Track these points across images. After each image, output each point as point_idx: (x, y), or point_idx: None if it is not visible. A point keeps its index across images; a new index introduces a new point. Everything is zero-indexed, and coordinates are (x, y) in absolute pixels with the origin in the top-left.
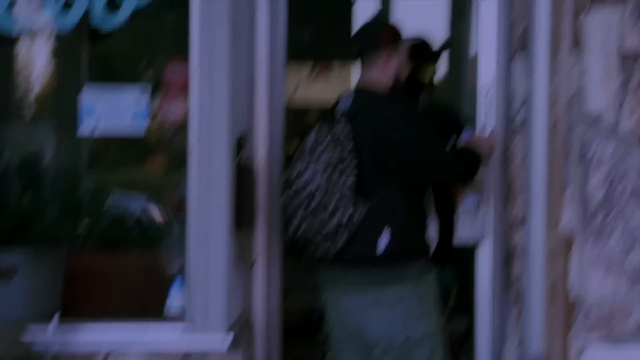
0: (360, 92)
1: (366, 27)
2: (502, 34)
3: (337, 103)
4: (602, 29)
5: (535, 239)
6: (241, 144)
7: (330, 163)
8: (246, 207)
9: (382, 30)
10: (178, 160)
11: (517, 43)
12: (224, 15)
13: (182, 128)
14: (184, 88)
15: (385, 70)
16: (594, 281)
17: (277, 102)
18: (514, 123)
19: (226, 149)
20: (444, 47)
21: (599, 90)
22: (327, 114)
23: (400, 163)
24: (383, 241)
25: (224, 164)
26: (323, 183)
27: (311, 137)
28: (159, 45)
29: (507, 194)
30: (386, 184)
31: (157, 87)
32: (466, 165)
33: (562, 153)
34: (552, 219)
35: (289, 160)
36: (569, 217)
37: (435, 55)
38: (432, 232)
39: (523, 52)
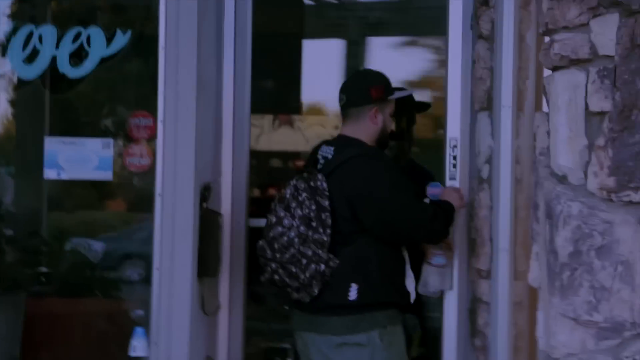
0: (343, 144)
1: (356, 80)
2: (467, 93)
3: (316, 150)
4: (568, 90)
5: (500, 291)
6: (206, 193)
7: (305, 219)
8: (211, 255)
9: (373, 85)
10: (142, 205)
11: (482, 101)
12: (190, 70)
13: (147, 174)
14: (150, 139)
15: (373, 124)
16: (561, 335)
17: (242, 152)
18: (479, 177)
19: (191, 199)
20: (424, 105)
21: (566, 150)
22: (306, 167)
23: (377, 223)
24: (352, 293)
25: (188, 213)
26: (296, 239)
27: (288, 190)
28: (124, 95)
29: (473, 246)
30: (361, 238)
31: (122, 136)
32: (441, 224)
33: (528, 210)
34: (517, 272)
35: (258, 206)
36: (536, 272)
37: (421, 108)
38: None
39: (487, 110)
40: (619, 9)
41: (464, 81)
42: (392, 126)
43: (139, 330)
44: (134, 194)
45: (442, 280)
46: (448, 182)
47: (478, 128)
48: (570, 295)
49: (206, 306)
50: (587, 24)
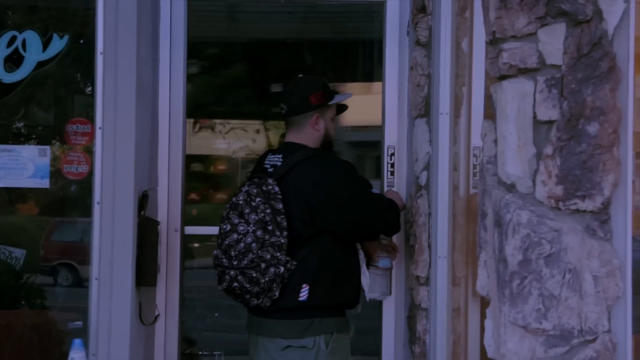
0: (290, 150)
1: (295, 88)
2: (403, 100)
3: (262, 160)
4: (517, 98)
5: (439, 298)
6: (144, 201)
7: (260, 223)
8: (149, 263)
9: (312, 92)
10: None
11: (419, 108)
12: (130, 75)
13: (84, 182)
14: (88, 146)
15: (315, 130)
16: (510, 343)
17: (177, 158)
18: (417, 184)
19: (131, 207)
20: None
21: (515, 158)
22: (256, 173)
23: (339, 222)
24: (303, 293)
25: (128, 221)
26: (254, 244)
27: (241, 197)
28: (61, 100)
29: (411, 253)
30: (317, 240)
31: (59, 143)
32: (396, 214)
33: (466, 217)
34: (455, 278)
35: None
36: (484, 280)
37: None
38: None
39: (425, 116)
40: (565, 19)
41: (400, 88)
42: (334, 130)
43: (77, 341)
44: (71, 201)
45: (388, 283)
46: (386, 190)
47: (416, 135)
48: (519, 304)
49: (144, 315)
50: (535, 33)
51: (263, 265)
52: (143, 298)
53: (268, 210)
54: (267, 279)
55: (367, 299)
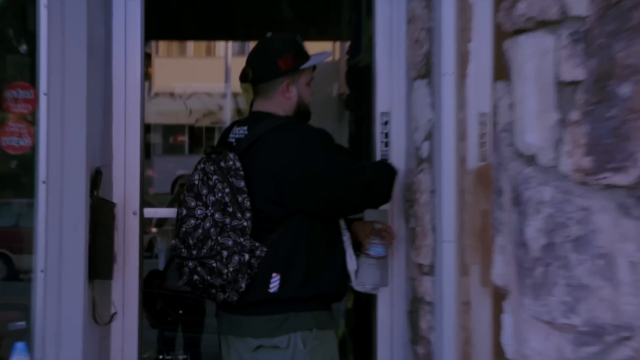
0: (257, 120)
1: (261, 50)
2: (400, 59)
3: (226, 133)
4: (536, 56)
5: (446, 290)
6: (97, 179)
7: (218, 204)
8: (103, 253)
9: (280, 55)
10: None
11: (418, 68)
12: (79, 32)
13: (25, 157)
14: (31, 115)
15: (286, 99)
16: (534, 341)
17: (134, 130)
18: (417, 157)
19: (82, 187)
20: None
21: (534, 125)
22: (214, 147)
23: (311, 198)
24: (274, 284)
25: (79, 203)
26: (213, 229)
27: (196, 176)
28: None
29: (412, 237)
30: (288, 221)
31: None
32: (387, 183)
33: (476, 194)
34: (464, 267)
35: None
36: (501, 268)
37: None
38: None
39: (425, 78)
40: None
41: (396, 45)
42: (310, 96)
43: (19, 345)
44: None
45: (382, 274)
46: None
47: (415, 99)
48: (544, 295)
49: (98, 314)
50: None
51: (225, 253)
52: (97, 293)
53: (227, 190)
54: (230, 269)
55: (356, 290)
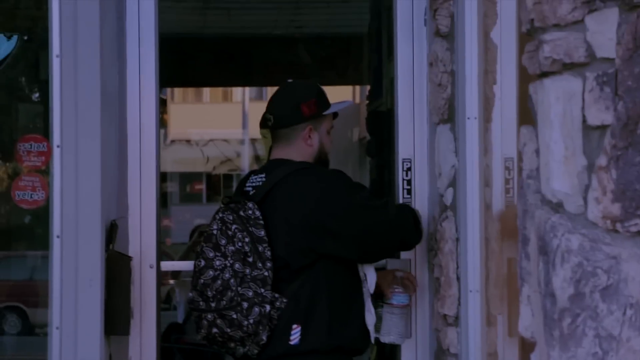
0: (273, 167)
1: (283, 96)
2: (422, 103)
3: (243, 182)
4: (562, 99)
5: (472, 341)
6: (112, 232)
7: (238, 254)
8: (120, 308)
9: (303, 100)
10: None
11: (441, 112)
12: (93, 82)
13: (40, 210)
14: (44, 168)
15: (308, 145)
16: None
17: (150, 180)
18: (441, 204)
19: (97, 241)
20: None
21: (561, 171)
22: (232, 197)
23: (339, 236)
24: (294, 336)
25: (95, 258)
26: (232, 280)
27: (215, 226)
28: (11, 114)
29: (436, 287)
30: (308, 270)
31: (9, 165)
32: (413, 219)
33: (502, 242)
34: (490, 317)
35: None
36: (528, 320)
37: None
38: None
39: (449, 122)
40: (618, 2)
41: (418, 88)
42: (330, 144)
43: None
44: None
45: (406, 324)
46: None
47: (438, 144)
48: (572, 347)
49: None
50: (582, 20)
51: (245, 304)
52: (114, 349)
53: (247, 239)
54: (251, 320)
55: (380, 341)
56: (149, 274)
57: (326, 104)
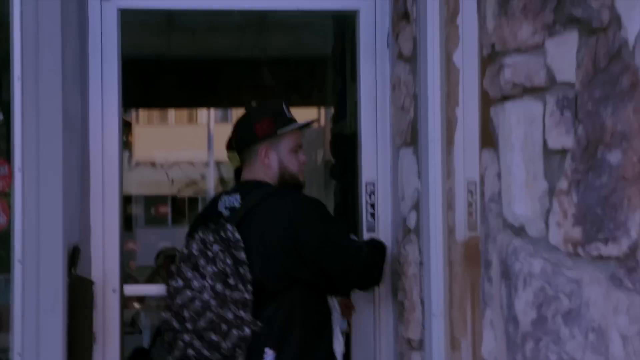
0: (249, 189)
1: (241, 118)
2: (384, 126)
3: (215, 202)
4: (523, 123)
5: None
6: (75, 256)
7: (220, 275)
8: (82, 333)
9: (256, 120)
10: None
11: (404, 135)
12: (55, 104)
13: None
14: (5, 192)
15: (265, 166)
16: None
17: (113, 203)
18: (404, 227)
19: (60, 265)
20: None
21: (523, 195)
22: (205, 217)
23: (312, 264)
24: None
25: (57, 283)
26: (212, 300)
27: (194, 246)
28: None
29: (400, 311)
30: (282, 294)
31: None
32: (379, 268)
33: (464, 265)
34: (454, 341)
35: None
36: (490, 344)
37: None
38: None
39: (411, 145)
40: (578, 27)
41: (381, 111)
42: (297, 164)
43: None
44: None
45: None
46: (365, 235)
47: (401, 168)
48: None
49: None
50: (543, 44)
51: (224, 327)
52: None
53: (229, 261)
54: (229, 344)
55: None
56: (111, 298)
57: (285, 122)
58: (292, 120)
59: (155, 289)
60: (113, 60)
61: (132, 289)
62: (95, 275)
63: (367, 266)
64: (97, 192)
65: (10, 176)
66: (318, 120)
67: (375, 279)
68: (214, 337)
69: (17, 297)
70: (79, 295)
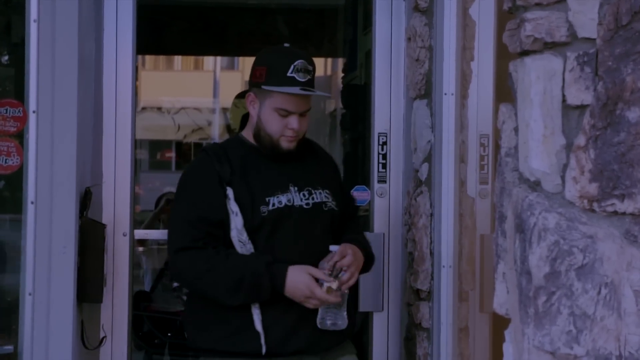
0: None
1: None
2: (399, 78)
3: None
4: (542, 78)
5: (444, 316)
6: (87, 200)
7: None
8: (93, 276)
9: (257, 64)
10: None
11: (418, 87)
12: (71, 48)
13: (14, 176)
14: (19, 133)
15: (251, 112)
16: None
17: (125, 148)
18: (416, 179)
19: (72, 208)
20: None
21: (540, 150)
22: None
23: None
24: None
25: (69, 225)
26: None
27: None
28: None
29: (410, 262)
30: None
31: None
32: (187, 270)
33: (475, 218)
34: (463, 293)
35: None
36: (502, 297)
37: None
38: None
39: (425, 98)
40: None
41: (395, 63)
42: (276, 127)
43: None
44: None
45: (335, 313)
46: (376, 186)
47: (414, 120)
48: (547, 324)
49: (87, 338)
50: (565, 0)
51: None
52: (86, 317)
53: None
54: None
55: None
56: (122, 241)
57: (278, 80)
58: (293, 80)
59: (164, 234)
60: (128, 6)
61: (142, 233)
62: (106, 218)
63: (171, 262)
64: (109, 137)
65: (25, 118)
66: (329, 95)
67: (178, 278)
68: None
69: (30, 237)
70: (91, 238)
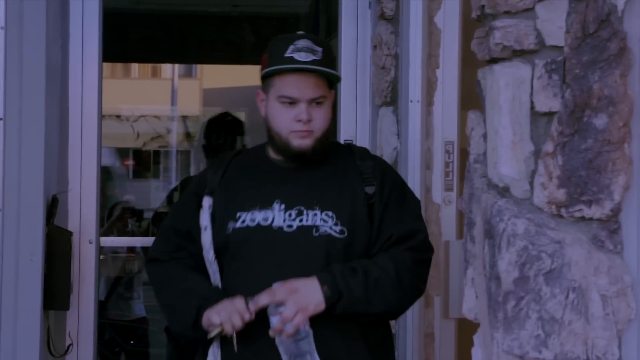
0: None
1: None
2: (365, 85)
3: None
4: (511, 86)
5: (409, 322)
6: (53, 207)
7: None
8: (60, 283)
9: (265, 52)
10: None
11: (384, 95)
12: (38, 55)
13: None
14: None
15: (261, 113)
16: None
17: (91, 155)
18: None
19: (40, 215)
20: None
21: (509, 157)
22: None
23: None
24: None
25: (36, 232)
26: None
27: None
28: None
29: None
30: None
31: None
32: (158, 280)
33: (440, 224)
34: (428, 299)
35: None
36: (471, 302)
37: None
38: None
39: (391, 105)
40: None
41: (361, 70)
42: (284, 123)
43: None
44: None
45: (297, 349)
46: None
47: (380, 127)
48: (515, 329)
49: (54, 345)
50: (533, 8)
51: None
52: (52, 324)
53: None
54: None
55: None
56: (88, 249)
57: (274, 61)
58: (291, 60)
59: (130, 241)
60: (94, 13)
61: (108, 241)
62: (73, 226)
63: (148, 264)
64: (75, 144)
65: None
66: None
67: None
68: None
69: None
70: (58, 246)
